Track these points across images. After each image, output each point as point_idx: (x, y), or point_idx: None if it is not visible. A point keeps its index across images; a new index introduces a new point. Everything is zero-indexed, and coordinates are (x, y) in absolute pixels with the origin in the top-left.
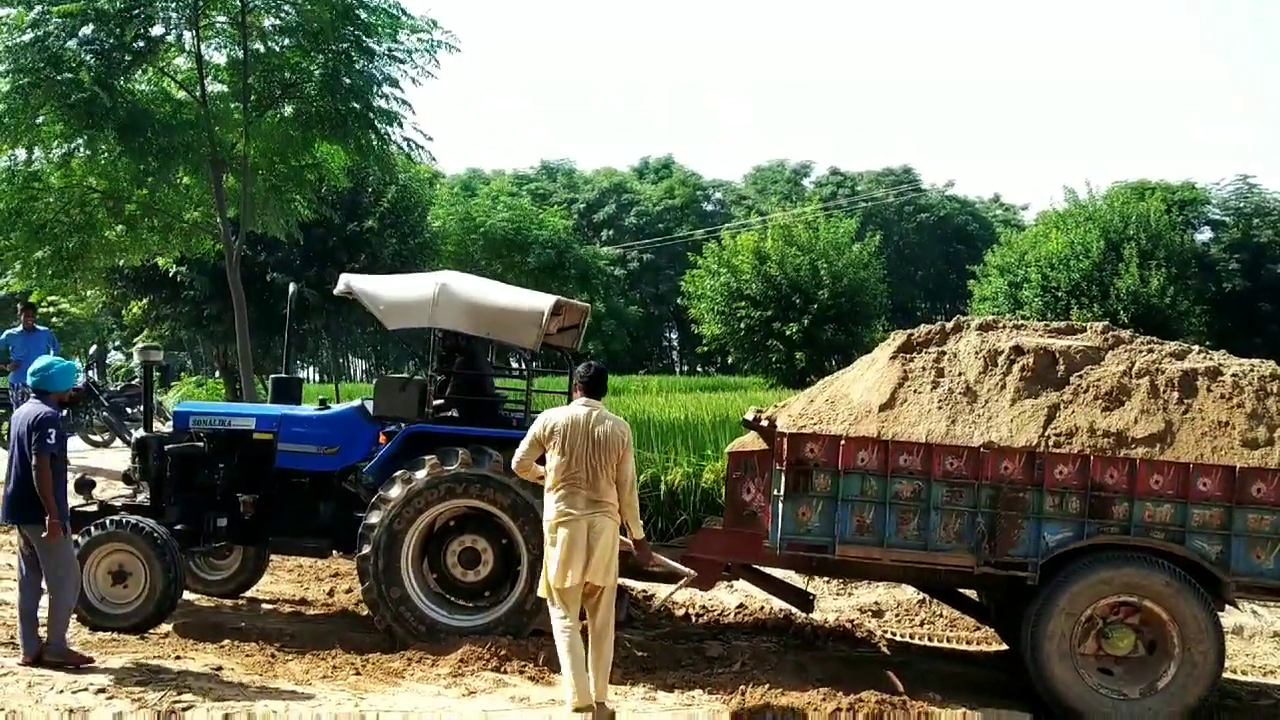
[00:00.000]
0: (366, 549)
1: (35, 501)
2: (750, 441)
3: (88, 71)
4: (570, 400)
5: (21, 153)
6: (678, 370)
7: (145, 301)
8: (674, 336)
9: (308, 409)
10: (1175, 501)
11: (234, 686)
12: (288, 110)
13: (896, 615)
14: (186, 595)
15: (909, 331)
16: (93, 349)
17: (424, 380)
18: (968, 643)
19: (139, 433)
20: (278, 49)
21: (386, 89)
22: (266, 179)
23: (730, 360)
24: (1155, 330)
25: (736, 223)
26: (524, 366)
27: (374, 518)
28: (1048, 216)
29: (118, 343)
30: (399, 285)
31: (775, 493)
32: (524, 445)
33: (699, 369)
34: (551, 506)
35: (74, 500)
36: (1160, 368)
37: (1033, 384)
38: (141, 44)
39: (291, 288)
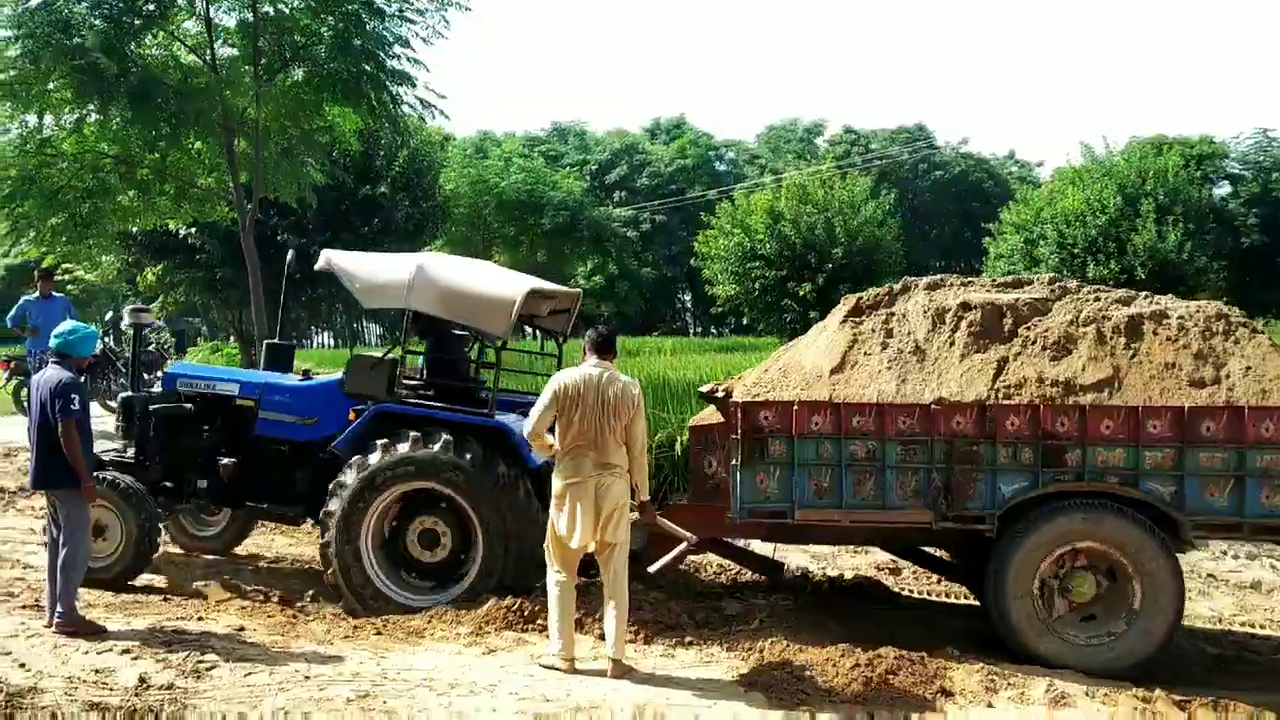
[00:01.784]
0: (333, 505)
1: (61, 467)
2: (710, 416)
3: (96, 36)
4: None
5: (33, 119)
6: (691, 331)
7: (159, 267)
8: (687, 298)
9: (290, 378)
10: (1127, 445)
11: (256, 647)
12: (298, 73)
13: (914, 572)
14: (206, 558)
15: (858, 295)
16: (109, 315)
17: (395, 360)
18: None
19: (125, 392)
20: (288, 11)
21: (397, 49)
22: (278, 143)
23: (745, 321)
24: (1172, 286)
25: (750, 182)
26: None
27: (334, 501)
28: (1064, 173)
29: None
30: (376, 265)
31: (733, 462)
32: (539, 409)
33: (713, 330)
34: (559, 469)
35: None
36: (1107, 315)
37: (981, 338)
38: (151, 7)
39: (290, 253)
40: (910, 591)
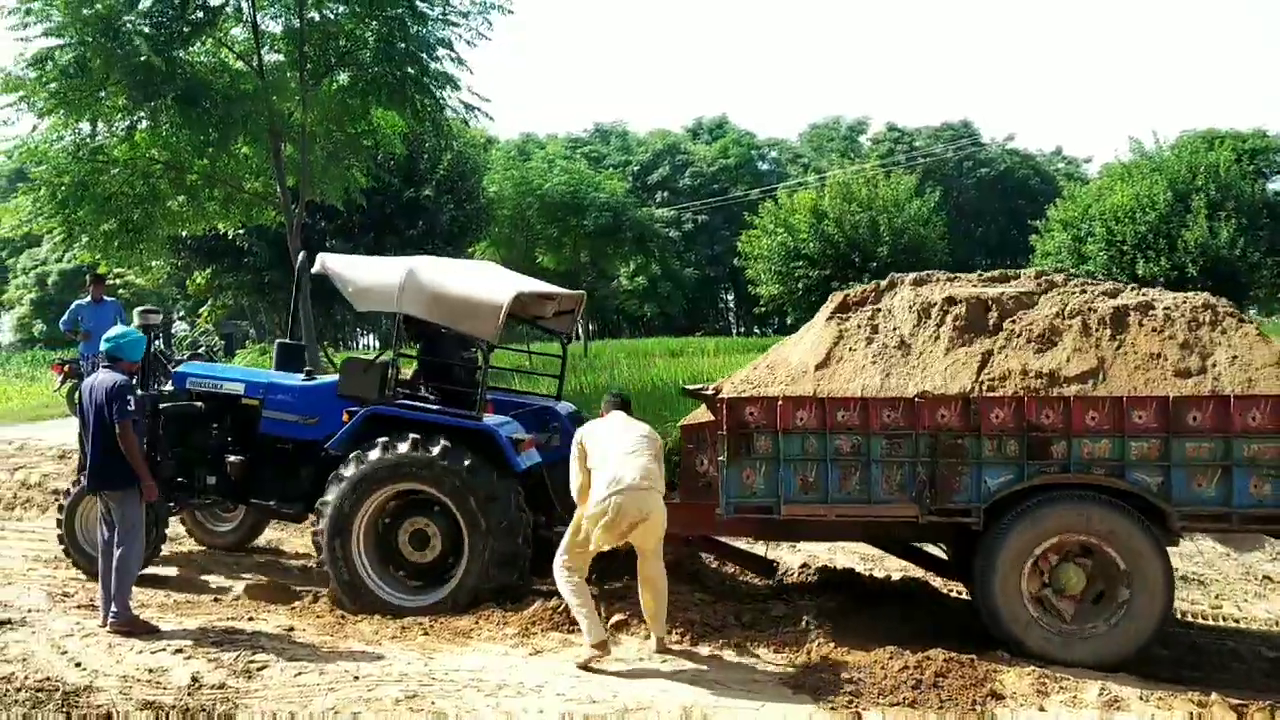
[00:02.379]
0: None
1: (116, 468)
2: (701, 414)
3: (146, 42)
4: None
5: (86, 126)
6: (734, 331)
7: (208, 271)
8: (730, 298)
9: (294, 378)
10: (1112, 436)
11: (306, 647)
12: (343, 78)
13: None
14: (256, 559)
15: (845, 292)
16: (158, 319)
17: (386, 362)
18: None
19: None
20: (333, 16)
21: (440, 52)
22: (324, 147)
23: (789, 321)
24: (1225, 282)
25: (793, 181)
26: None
27: (329, 494)
28: (1113, 168)
29: (182, 313)
30: (369, 269)
31: (720, 458)
32: (575, 467)
33: (755, 330)
34: (602, 486)
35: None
36: (1092, 306)
37: (965, 332)
38: (200, 14)
39: (301, 256)
40: (958, 593)
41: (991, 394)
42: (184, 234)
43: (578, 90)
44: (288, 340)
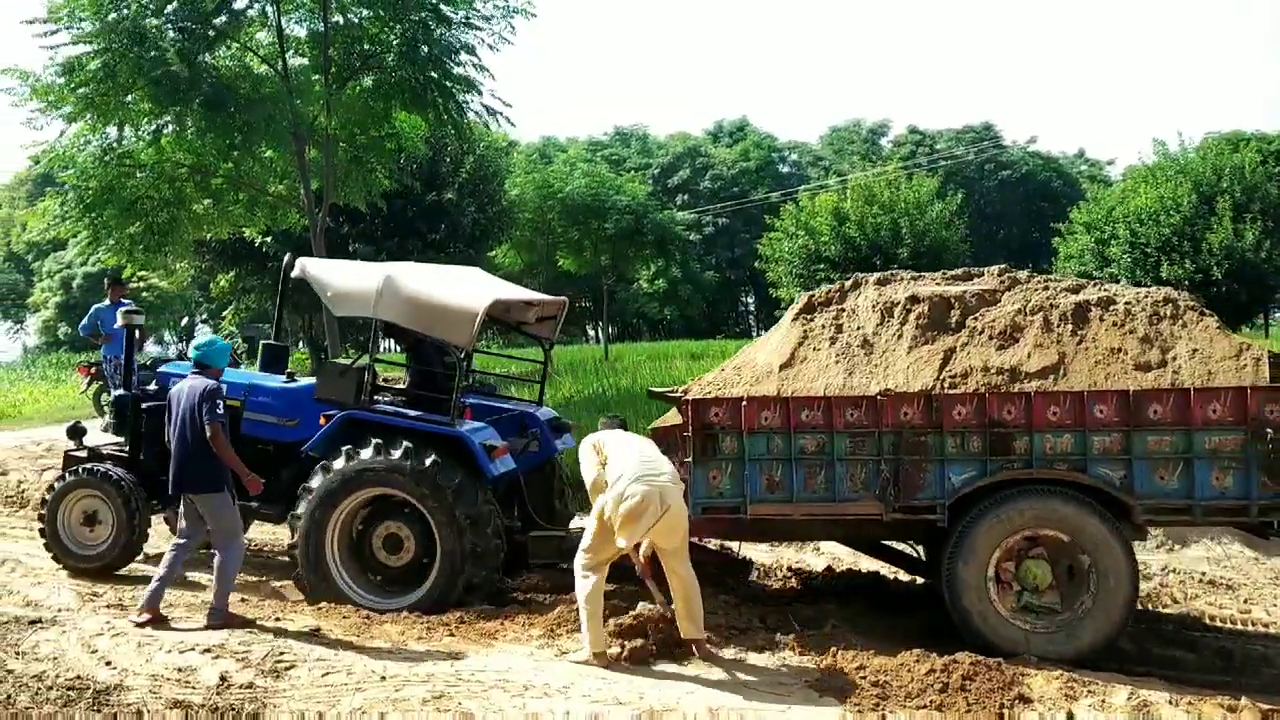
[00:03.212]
0: (300, 510)
1: (202, 472)
2: (672, 418)
3: (171, 46)
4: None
5: (113, 131)
6: (754, 334)
7: (232, 274)
8: (750, 300)
9: (275, 380)
10: (1074, 431)
11: (333, 647)
12: (367, 81)
13: None
14: (283, 559)
15: (810, 293)
16: (183, 322)
17: (363, 368)
18: None
19: (119, 391)
20: (357, 20)
21: (464, 56)
22: (347, 150)
23: None
24: (1250, 285)
25: (814, 184)
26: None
27: (301, 506)
28: (1136, 171)
29: (205, 316)
30: (347, 274)
31: (686, 459)
32: (590, 464)
33: None
34: (624, 473)
35: (66, 445)
36: (1054, 303)
37: (928, 330)
38: (224, 19)
39: (287, 257)
40: None
41: (953, 391)
42: (208, 237)
43: (598, 93)
44: (272, 342)
